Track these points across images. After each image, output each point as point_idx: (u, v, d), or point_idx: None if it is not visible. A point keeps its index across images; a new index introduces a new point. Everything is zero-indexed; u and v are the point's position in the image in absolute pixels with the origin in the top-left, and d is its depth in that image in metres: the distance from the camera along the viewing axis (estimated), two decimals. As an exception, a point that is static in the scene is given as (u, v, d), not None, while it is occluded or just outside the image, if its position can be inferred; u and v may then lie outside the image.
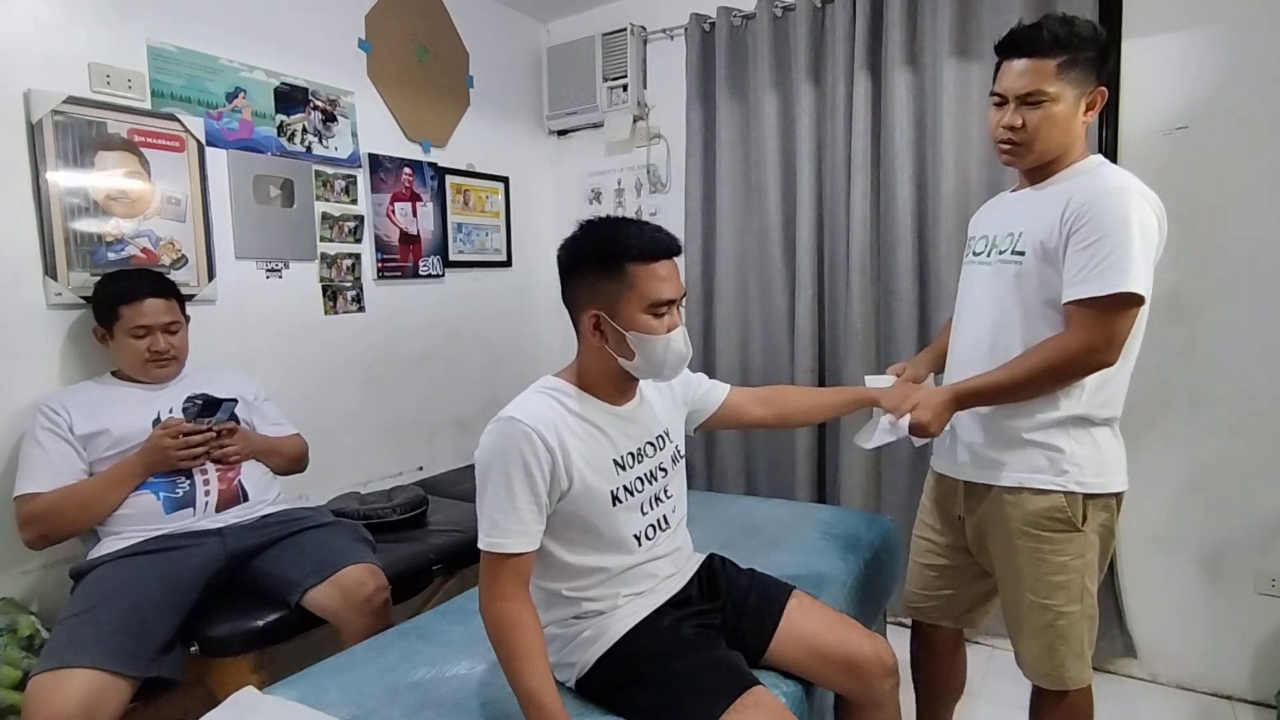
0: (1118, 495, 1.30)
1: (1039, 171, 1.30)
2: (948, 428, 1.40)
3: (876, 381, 1.54)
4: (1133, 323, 1.19)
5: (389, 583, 1.63)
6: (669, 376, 1.20)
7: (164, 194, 1.88)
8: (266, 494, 1.78)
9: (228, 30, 2.03)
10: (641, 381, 1.25)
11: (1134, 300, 1.16)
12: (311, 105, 2.24)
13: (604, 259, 1.11)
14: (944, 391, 1.33)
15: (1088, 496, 1.26)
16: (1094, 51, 1.20)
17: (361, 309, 2.42)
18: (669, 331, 1.13)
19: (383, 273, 2.48)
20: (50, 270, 1.69)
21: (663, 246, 1.12)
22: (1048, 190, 1.27)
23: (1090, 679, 1.33)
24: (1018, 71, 1.22)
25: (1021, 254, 1.27)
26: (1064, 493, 1.25)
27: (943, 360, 1.53)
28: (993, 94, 1.28)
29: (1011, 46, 1.24)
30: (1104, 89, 1.23)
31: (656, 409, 1.28)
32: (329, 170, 2.30)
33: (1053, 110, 1.21)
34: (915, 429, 1.33)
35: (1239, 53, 1.86)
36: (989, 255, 1.35)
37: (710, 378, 1.46)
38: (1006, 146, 1.28)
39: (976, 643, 2.28)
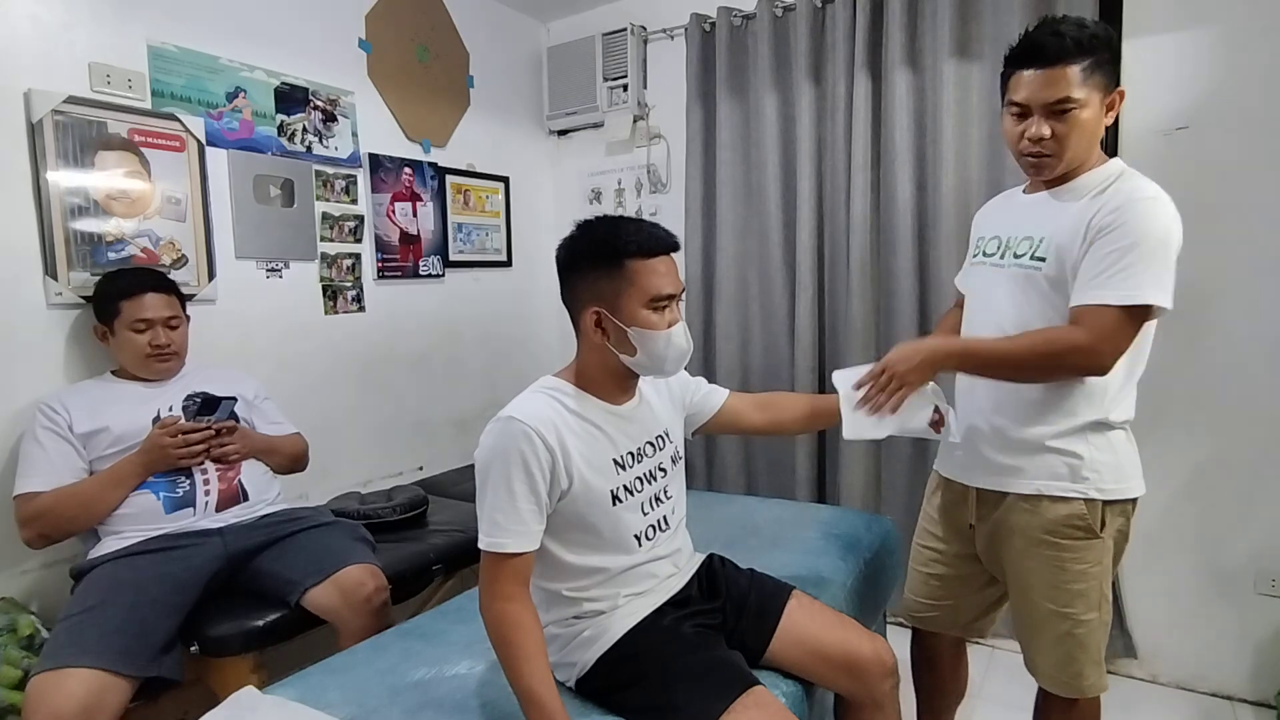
0: (1134, 500, 1.27)
1: (1061, 178, 1.25)
2: (952, 425, 1.37)
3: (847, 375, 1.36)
4: (1137, 334, 1.16)
5: (389, 583, 1.63)
6: (671, 372, 1.20)
7: (164, 194, 1.88)
8: (266, 493, 1.78)
9: (228, 30, 2.03)
10: (641, 381, 1.25)
11: (1147, 314, 1.14)
12: (311, 105, 2.24)
13: (603, 256, 1.12)
14: (924, 343, 1.27)
15: (1107, 503, 1.23)
16: (1109, 53, 1.16)
17: (362, 309, 2.42)
18: (670, 327, 1.14)
19: (383, 273, 2.48)
20: (50, 270, 1.70)
21: (661, 243, 1.13)
22: (1073, 199, 1.23)
23: (1106, 686, 1.30)
24: (1043, 81, 1.16)
25: (1043, 260, 1.23)
26: (1084, 499, 1.23)
27: None
28: (1012, 104, 1.22)
29: (1034, 55, 1.17)
30: (1123, 90, 1.20)
31: (656, 409, 1.28)
32: (329, 170, 2.30)
33: (1081, 117, 1.16)
34: (888, 379, 1.23)
35: (1239, 53, 1.86)
36: (1003, 257, 1.31)
37: (710, 378, 1.46)
38: (1034, 159, 1.22)
39: (976, 643, 2.28)
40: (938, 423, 1.31)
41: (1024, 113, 1.20)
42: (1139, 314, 1.13)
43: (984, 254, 1.38)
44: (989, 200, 1.53)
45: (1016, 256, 1.28)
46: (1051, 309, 1.23)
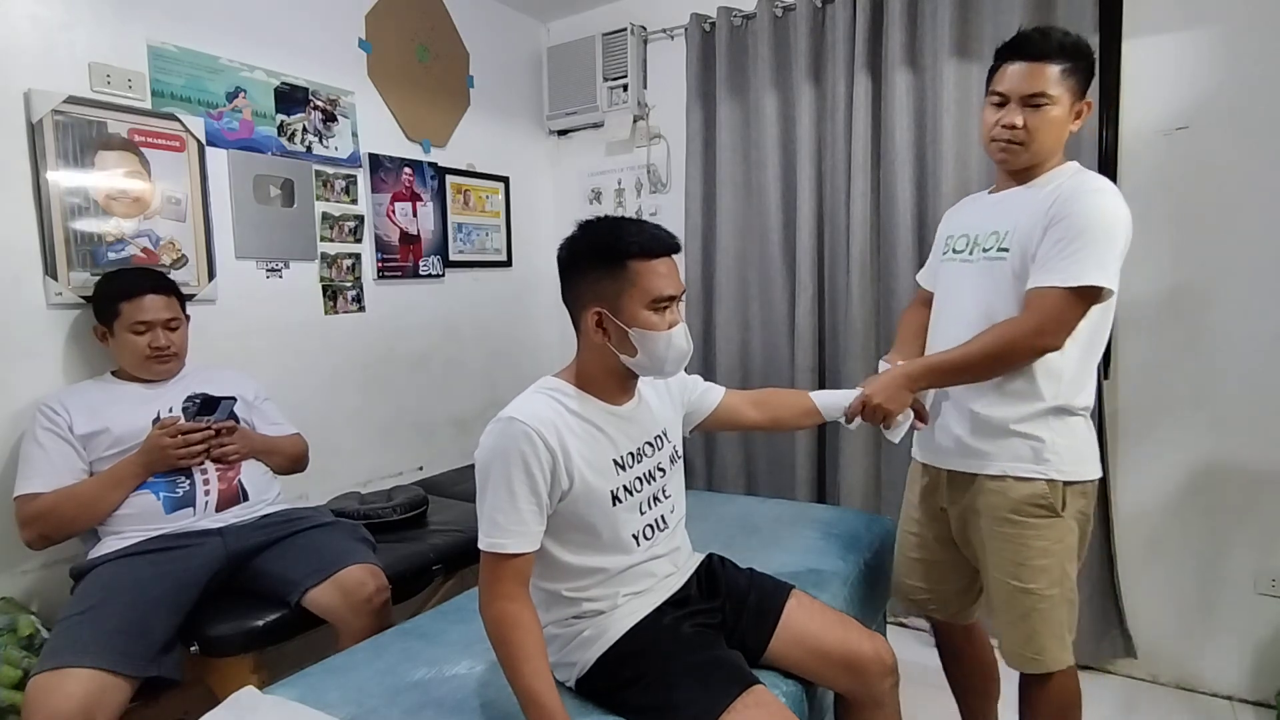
0: (1094, 483, 1.36)
1: (1024, 173, 1.35)
2: (926, 416, 1.45)
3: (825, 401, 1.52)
4: (1084, 314, 1.24)
5: (389, 583, 1.63)
6: (671, 373, 1.21)
7: (164, 194, 1.88)
8: (266, 493, 1.78)
9: (228, 30, 2.03)
10: (640, 381, 1.25)
11: (1093, 294, 1.22)
12: (311, 105, 2.24)
13: (605, 256, 1.12)
14: (895, 373, 1.39)
15: (1067, 484, 1.31)
16: (1087, 64, 1.28)
17: (361, 309, 2.43)
18: (670, 328, 1.14)
19: (383, 272, 2.48)
20: (50, 270, 1.70)
21: (662, 243, 1.13)
22: (1032, 191, 1.32)
23: (1071, 661, 1.36)
24: (1025, 73, 1.27)
25: (1007, 250, 1.32)
26: (1045, 480, 1.30)
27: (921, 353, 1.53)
28: (993, 93, 1.33)
29: (1019, 49, 1.29)
30: (1090, 102, 1.31)
31: (655, 409, 1.28)
32: (329, 170, 2.30)
33: (1051, 113, 1.27)
34: (873, 412, 1.38)
35: (1239, 53, 1.86)
36: (971, 253, 1.40)
37: (710, 378, 1.48)
38: (1004, 145, 1.32)
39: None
40: (918, 415, 1.44)
41: (1003, 102, 1.31)
42: (1084, 294, 1.22)
43: (953, 250, 1.46)
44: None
45: (984, 250, 1.37)
46: (1016, 298, 1.30)
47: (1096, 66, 1.32)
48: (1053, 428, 1.31)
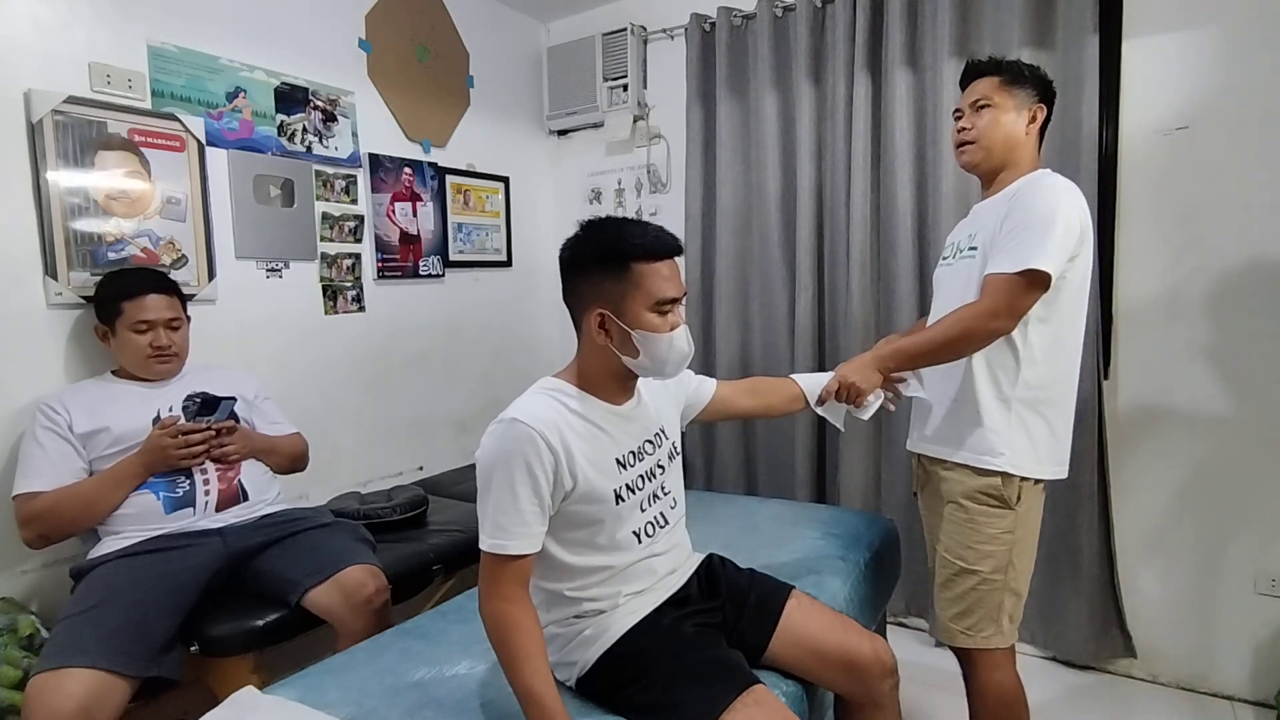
0: (1050, 482, 1.41)
1: (994, 182, 1.45)
2: (887, 396, 1.51)
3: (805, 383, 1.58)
4: (1035, 298, 1.30)
5: (389, 583, 1.63)
6: (672, 374, 1.21)
7: (164, 194, 1.88)
8: (266, 493, 1.78)
9: (228, 30, 2.03)
10: (639, 380, 1.25)
11: (1038, 278, 1.28)
12: (311, 105, 2.24)
13: (609, 258, 1.12)
14: (866, 355, 1.48)
15: (1022, 479, 1.37)
16: (1030, 80, 1.42)
17: (362, 309, 2.43)
18: (672, 330, 1.14)
19: (383, 273, 2.48)
20: (50, 270, 1.70)
21: (666, 246, 1.14)
22: (999, 195, 1.42)
23: (1006, 643, 1.41)
24: (969, 88, 1.47)
25: (975, 248, 1.42)
26: (1001, 474, 1.36)
27: None
28: (955, 111, 1.51)
29: (965, 74, 1.50)
30: (1043, 105, 1.43)
31: (653, 407, 1.28)
32: (329, 170, 2.30)
33: (992, 113, 1.41)
34: (846, 390, 1.44)
35: (1239, 53, 1.86)
36: (954, 257, 1.50)
37: (710, 377, 1.48)
38: (959, 146, 1.47)
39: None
40: (892, 398, 1.52)
41: (960, 116, 1.48)
42: (1029, 278, 1.28)
43: (941, 259, 1.58)
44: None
45: (961, 252, 1.48)
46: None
47: (1048, 85, 1.44)
48: (1013, 424, 1.36)
